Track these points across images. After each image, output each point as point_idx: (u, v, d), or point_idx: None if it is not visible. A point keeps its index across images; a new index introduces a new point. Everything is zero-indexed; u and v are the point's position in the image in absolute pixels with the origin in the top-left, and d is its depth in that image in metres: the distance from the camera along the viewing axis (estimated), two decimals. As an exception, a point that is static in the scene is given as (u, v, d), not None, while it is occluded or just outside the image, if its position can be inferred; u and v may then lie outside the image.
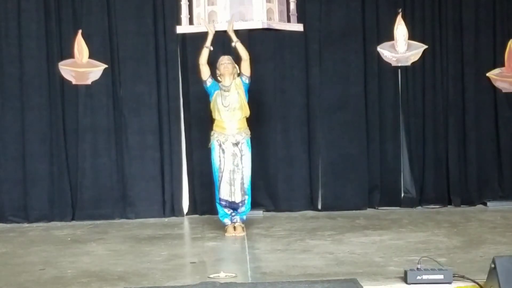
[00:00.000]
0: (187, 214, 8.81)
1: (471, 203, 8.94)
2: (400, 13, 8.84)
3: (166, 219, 8.61)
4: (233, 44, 7.42)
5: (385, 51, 8.90)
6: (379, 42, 8.91)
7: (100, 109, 8.71)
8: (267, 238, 7.21)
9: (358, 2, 8.90)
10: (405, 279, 5.06)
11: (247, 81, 7.40)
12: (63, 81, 8.66)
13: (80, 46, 8.61)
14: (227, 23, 7.53)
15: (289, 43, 8.87)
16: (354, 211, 8.73)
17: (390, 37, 8.88)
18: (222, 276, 5.42)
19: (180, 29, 8.70)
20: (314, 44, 8.87)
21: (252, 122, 7.66)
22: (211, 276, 5.44)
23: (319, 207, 8.86)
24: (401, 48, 8.89)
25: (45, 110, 8.64)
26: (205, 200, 8.58)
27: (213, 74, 7.50)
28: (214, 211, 7.88)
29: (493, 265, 4.72)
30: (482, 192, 9.02)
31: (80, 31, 8.59)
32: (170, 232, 7.81)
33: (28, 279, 5.63)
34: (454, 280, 5.02)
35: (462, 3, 8.97)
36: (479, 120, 9.02)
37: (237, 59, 7.50)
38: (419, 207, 8.92)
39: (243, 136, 7.40)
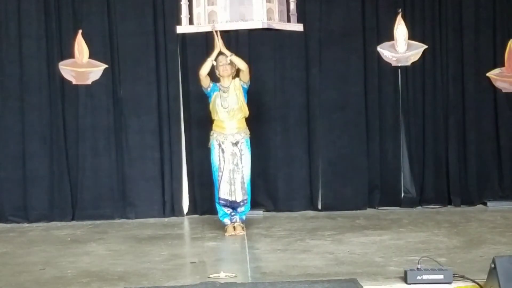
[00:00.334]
0: (187, 214, 8.81)
1: (471, 203, 8.94)
2: (400, 13, 8.84)
3: (166, 219, 8.61)
4: (228, 59, 7.39)
5: (385, 51, 8.90)
6: (379, 42, 8.90)
7: (100, 109, 8.71)
8: (267, 238, 7.21)
9: (358, 2, 8.90)
10: (405, 279, 5.06)
11: (245, 86, 7.42)
12: (63, 81, 8.66)
13: (80, 46, 8.61)
14: (217, 40, 7.45)
15: (289, 43, 8.86)
16: (354, 211, 8.73)
17: (390, 37, 8.88)
18: (222, 276, 5.42)
19: (180, 29, 8.70)
20: (314, 44, 8.87)
21: (252, 122, 7.66)
22: (211, 276, 5.44)
23: (319, 207, 8.86)
24: (401, 48, 8.88)
25: (45, 110, 8.64)
26: (205, 200, 8.59)
27: (212, 74, 7.50)
28: (214, 211, 7.88)
29: (493, 265, 4.72)
30: (482, 192, 9.02)
31: (80, 31, 8.59)
32: (170, 232, 7.81)
33: (28, 279, 5.63)
34: (454, 280, 5.03)
35: (462, 3, 8.97)
36: (479, 120, 9.02)
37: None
38: (419, 207, 8.92)
39: (242, 135, 7.40)
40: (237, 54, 7.74)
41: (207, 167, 7.74)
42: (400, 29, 8.87)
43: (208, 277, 5.42)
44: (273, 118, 8.82)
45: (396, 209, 8.86)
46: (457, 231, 7.32)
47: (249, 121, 7.57)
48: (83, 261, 6.31)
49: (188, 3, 8.67)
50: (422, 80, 8.98)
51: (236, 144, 7.37)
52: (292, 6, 8.76)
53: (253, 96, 7.78)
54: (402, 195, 9.01)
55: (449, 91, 8.97)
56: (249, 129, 7.52)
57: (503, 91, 8.99)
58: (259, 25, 8.52)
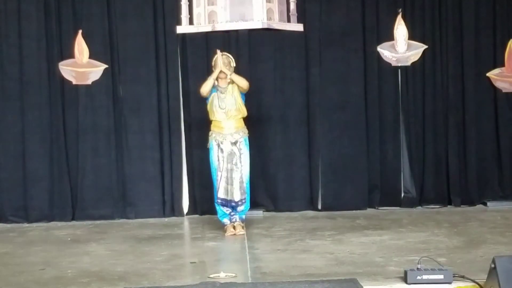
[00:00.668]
0: (187, 214, 8.81)
1: (471, 203, 8.93)
2: (400, 13, 8.83)
3: (166, 219, 8.61)
4: (228, 79, 7.37)
5: (385, 51, 8.90)
6: (379, 42, 8.90)
7: (100, 109, 8.71)
8: (267, 238, 7.21)
9: (358, 2, 8.90)
10: (405, 279, 5.06)
11: (243, 92, 7.43)
12: (63, 81, 8.66)
13: (81, 46, 8.61)
14: (217, 60, 7.40)
15: (289, 43, 8.86)
16: (354, 211, 8.73)
17: (390, 37, 8.87)
18: (222, 276, 5.42)
19: (180, 29, 8.67)
20: (314, 44, 8.87)
21: (252, 122, 7.67)
22: (211, 276, 5.44)
23: (319, 207, 8.86)
24: (401, 48, 8.87)
25: (45, 110, 8.64)
26: (205, 200, 8.58)
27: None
28: (214, 211, 7.88)
29: (493, 265, 4.72)
30: (482, 192, 9.02)
31: (80, 31, 8.59)
32: (170, 232, 7.81)
33: (28, 279, 5.64)
34: (454, 280, 5.03)
35: (462, 3, 8.97)
36: (479, 120, 9.02)
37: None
38: (419, 207, 8.92)
39: (241, 135, 7.41)
40: (237, 54, 7.74)
41: (207, 167, 7.74)
42: (400, 29, 8.86)
43: (208, 277, 5.42)
44: (273, 118, 8.82)
45: (396, 209, 8.86)
46: (457, 231, 7.32)
47: (249, 121, 7.57)
48: (83, 261, 6.31)
49: (188, 3, 8.66)
50: (422, 80, 8.97)
51: (235, 143, 7.38)
52: (292, 6, 8.74)
53: (253, 96, 7.79)
54: (402, 195, 9.01)
55: (449, 91, 8.97)
56: (249, 129, 7.52)
57: (503, 91, 8.99)
58: (259, 25, 8.50)
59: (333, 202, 8.86)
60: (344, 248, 6.57)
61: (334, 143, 8.92)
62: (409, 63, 8.91)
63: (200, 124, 8.38)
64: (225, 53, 7.54)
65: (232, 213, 7.43)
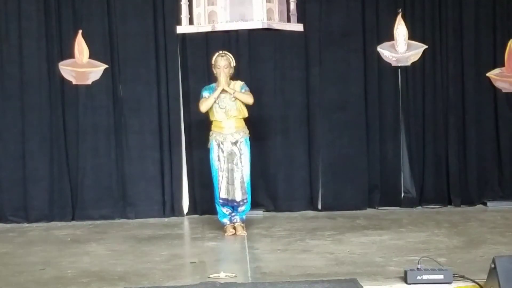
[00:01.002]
0: (187, 214, 8.81)
1: (471, 203, 8.93)
2: (400, 13, 8.84)
3: (166, 219, 8.61)
4: (232, 98, 7.36)
5: (385, 51, 8.90)
6: (379, 42, 8.90)
7: (100, 109, 8.71)
8: (267, 238, 7.21)
9: (358, 2, 8.90)
10: (405, 279, 5.06)
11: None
12: (63, 81, 8.66)
13: (81, 46, 8.61)
14: (221, 78, 7.33)
15: (289, 43, 8.86)
16: (354, 211, 8.72)
17: (390, 37, 8.88)
18: (222, 276, 5.42)
19: (180, 29, 8.71)
20: (314, 44, 8.87)
21: (252, 122, 7.66)
22: (211, 276, 5.44)
23: (319, 207, 8.86)
24: (401, 48, 8.88)
25: (45, 110, 8.64)
26: (205, 200, 8.58)
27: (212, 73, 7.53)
28: (214, 211, 7.88)
29: (493, 265, 4.72)
30: (482, 192, 9.02)
31: (80, 31, 8.59)
32: (170, 232, 7.81)
33: (28, 279, 5.63)
34: (454, 280, 5.02)
35: (462, 3, 8.97)
36: (479, 120, 9.02)
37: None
38: (419, 207, 8.92)
39: (242, 135, 7.40)
40: (237, 54, 7.74)
41: (207, 167, 7.73)
42: (400, 29, 8.87)
43: (208, 277, 5.41)
44: (273, 118, 8.81)
45: (396, 209, 8.86)
46: (457, 231, 7.32)
47: (249, 121, 7.57)
48: (83, 261, 6.31)
49: (188, 3, 8.68)
50: (422, 80, 8.97)
51: (235, 143, 7.37)
52: (292, 6, 8.78)
53: (253, 95, 7.77)
54: (402, 195, 9.01)
55: (449, 91, 8.97)
56: (249, 129, 7.51)
57: (503, 91, 8.99)
58: (259, 25, 8.53)
59: (333, 202, 8.86)
60: (344, 248, 6.57)
61: (334, 143, 8.92)
62: (409, 63, 8.92)
63: (200, 124, 8.37)
64: (226, 52, 7.51)
65: (232, 214, 7.42)
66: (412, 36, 8.90)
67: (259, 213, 8.60)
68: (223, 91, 7.32)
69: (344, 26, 8.89)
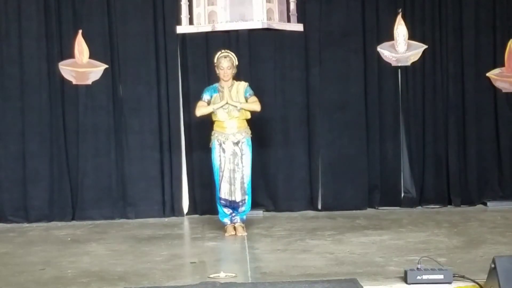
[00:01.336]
0: (187, 214, 8.81)
1: (471, 203, 8.94)
2: (400, 13, 8.84)
3: (166, 219, 8.61)
4: (238, 110, 7.32)
5: (385, 51, 8.90)
6: (379, 42, 8.91)
7: (100, 109, 8.71)
8: (267, 238, 7.21)
9: (358, 2, 8.90)
10: (405, 279, 5.05)
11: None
12: (64, 81, 8.66)
13: (81, 46, 8.61)
14: (225, 92, 7.28)
15: (289, 43, 8.87)
16: (354, 211, 8.73)
17: (390, 37, 8.89)
18: (222, 276, 5.42)
19: (180, 29, 8.71)
20: (314, 44, 8.87)
21: (252, 122, 7.65)
22: (211, 276, 5.44)
23: (319, 207, 8.86)
24: (401, 48, 8.89)
25: (45, 110, 8.64)
26: (205, 200, 8.59)
27: (214, 73, 7.52)
28: (214, 211, 7.88)
29: (493, 265, 4.72)
30: (482, 192, 9.02)
31: (80, 31, 8.59)
32: (170, 232, 7.81)
33: (28, 279, 5.63)
34: (454, 280, 5.02)
35: (462, 3, 8.97)
36: (479, 120, 9.02)
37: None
38: (419, 207, 8.92)
39: (243, 135, 7.38)
40: (237, 54, 7.72)
41: (207, 167, 7.74)
42: (400, 29, 8.88)
43: (208, 277, 5.41)
44: (273, 118, 8.81)
45: (396, 209, 8.86)
46: (457, 231, 7.32)
47: (249, 120, 7.56)
48: (83, 261, 6.31)
49: (188, 3, 8.68)
50: (422, 80, 8.98)
51: (237, 143, 7.36)
52: (292, 6, 8.78)
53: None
54: (402, 195, 9.02)
55: (449, 91, 8.97)
56: (250, 128, 7.50)
57: (503, 91, 9.00)
58: (259, 25, 8.53)
59: (333, 202, 8.86)
60: (344, 248, 6.57)
61: (334, 143, 8.92)
62: (409, 63, 8.92)
63: (200, 124, 8.38)
64: (228, 51, 7.49)
65: (233, 214, 7.42)
66: (412, 36, 8.91)
67: (259, 213, 8.60)
68: (224, 81, 7.30)
69: (344, 26, 8.90)
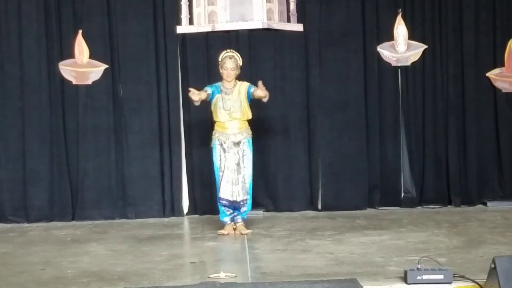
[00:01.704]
0: (187, 214, 8.81)
1: (471, 203, 8.94)
2: (400, 13, 8.84)
3: (166, 219, 8.61)
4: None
5: (385, 51, 8.90)
6: (379, 42, 8.91)
7: (100, 109, 8.71)
8: (267, 238, 7.21)
9: (358, 2, 8.90)
10: (405, 279, 5.05)
11: (252, 97, 7.38)
12: (63, 81, 8.66)
13: (81, 46, 8.62)
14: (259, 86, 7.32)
15: (289, 43, 8.87)
16: (354, 211, 8.73)
17: (390, 37, 8.89)
18: (222, 276, 5.42)
19: (180, 29, 8.71)
20: (314, 44, 8.87)
21: (252, 122, 7.66)
22: (211, 276, 5.44)
23: (319, 207, 8.86)
24: (401, 48, 8.89)
25: (45, 110, 8.64)
26: (205, 200, 8.59)
27: (216, 74, 7.51)
28: (214, 211, 7.89)
29: (493, 265, 4.72)
30: (482, 192, 9.02)
31: (80, 31, 8.59)
32: (170, 232, 7.81)
33: (28, 279, 5.63)
34: (454, 280, 5.02)
35: (462, 3, 8.97)
36: (479, 120, 9.02)
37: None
38: (419, 207, 8.92)
39: (244, 135, 7.39)
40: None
41: (207, 167, 7.74)
42: (400, 29, 8.88)
43: (208, 277, 5.41)
44: (273, 118, 8.81)
45: (396, 209, 8.86)
46: (457, 231, 7.32)
47: (249, 121, 7.56)
48: (83, 261, 6.31)
49: (188, 3, 8.68)
50: (422, 80, 8.98)
51: (238, 144, 7.36)
52: (292, 6, 8.78)
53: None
54: (402, 195, 9.01)
55: (449, 91, 8.97)
56: (250, 129, 7.50)
57: (503, 91, 9.00)
58: (259, 25, 8.53)
59: (333, 202, 8.86)
60: (344, 248, 6.57)
61: (334, 143, 8.92)
62: (409, 63, 8.92)
63: (200, 124, 8.39)
64: (234, 52, 7.48)
65: (235, 214, 7.42)
66: (412, 36, 8.91)
67: (259, 213, 8.60)
68: (227, 94, 7.30)
69: (344, 26, 8.90)
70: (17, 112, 8.65)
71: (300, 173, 8.89)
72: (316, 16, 8.86)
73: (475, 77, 8.97)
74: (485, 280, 4.87)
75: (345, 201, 8.87)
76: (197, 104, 7.38)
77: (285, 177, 8.88)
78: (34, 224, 8.50)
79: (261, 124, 8.55)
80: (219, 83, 7.42)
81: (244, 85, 7.40)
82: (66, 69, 8.64)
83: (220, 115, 7.33)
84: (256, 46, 8.81)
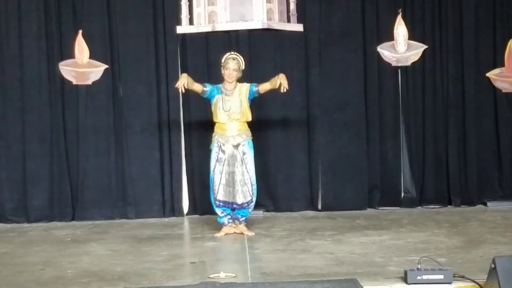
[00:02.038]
0: (187, 214, 8.81)
1: (471, 203, 8.94)
2: (400, 13, 8.85)
3: (166, 219, 8.62)
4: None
5: (385, 51, 8.90)
6: (379, 42, 8.91)
7: (100, 109, 8.71)
8: (267, 238, 7.21)
9: (358, 2, 8.90)
10: (405, 279, 5.06)
11: (256, 95, 7.36)
12: (63, 81, 8.66)
13: (81, 47, 8.61)
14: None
15: (289, 43, 8.86)
16: (354, 211, 8.73)
17: (390, 37, 8.89)
18: (222, 276, 5.42)
19: (180, 29, 8.71)
20: (314, 44, 8.87)
21: (252, 122, 7.65)
22: (211, 276, 5.44)
23: (319, 207, 8.86)
24: (401, 48, 8.89)
25: (45, 110, 8.64)
26: (205, 200, 8.55)
27: (217, 74, 7.50)
28: (214, 211, 7.87)
29: (493, 265, 4.72)
30: (482, 192, 9.02)
31: (80, 31, 8.60)
32: (170, 232, 7.81)
33: (28, 279, 5.63)
34: (454, 280, 5.02)
35: (462, 4, 8.97)
36: (479, 120, 9.02)
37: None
38: (419, 207, 8.92)
39: (244, 137, 7.38)
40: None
41: (207, 167, 7.73)
42: (400, 29, 8.88)
43: (208, 277, 5.42)
44: (273, 118, 8.81)
45: (396, 209, 8.86)
46: (457, 231, 7.32)
47: (249, 121, 7.56)
48: (83, 261, 6.31)
49: (188, 3, 8.68)
50: (422, 80, 8.98)
51: (237, 146, 7.35)
52: (292, 6, 8.77)
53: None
54: (402, 195, 9.02)
55: (449, 91, 8.97)
56: (249, 129, 7.48)
57: (503, 91, 9.00)
58: (259, 25, 8.52)
59: (333, 202, 8.86)
60: (344, 248, 6.57)
61: (334, 143, 8.92)
62: (409, 63, 8.92)
63: (200, 124, 8.39)
64: (237, 54, 7.47)
65: (235, 215, 7.42)
66: (412, 36, 8.91)
67: (259, 213, 8.59)
68: (227, 95, 7.30)
69: (344, 26, 8.90)
70: (17, 112, 8.65)
71: (300, 173, 8.89)
72: (316, 16, 8.86)
73: (475, 77, 8.98)
74: (485, 280, 4.87)
75: (345, 201, 8.87)
76: (179, 87, 7.21)
77: (285, 177, 8.88)
78: (34, 224, 8.50)
79: (261, 124, 8.55)
80: (220, 85, 7.42)
81: (245, 85, 7.39)
82: (66, 69, 8.64)
83: (220, 115, 7.33)
84: (256, 46, 8.81)
